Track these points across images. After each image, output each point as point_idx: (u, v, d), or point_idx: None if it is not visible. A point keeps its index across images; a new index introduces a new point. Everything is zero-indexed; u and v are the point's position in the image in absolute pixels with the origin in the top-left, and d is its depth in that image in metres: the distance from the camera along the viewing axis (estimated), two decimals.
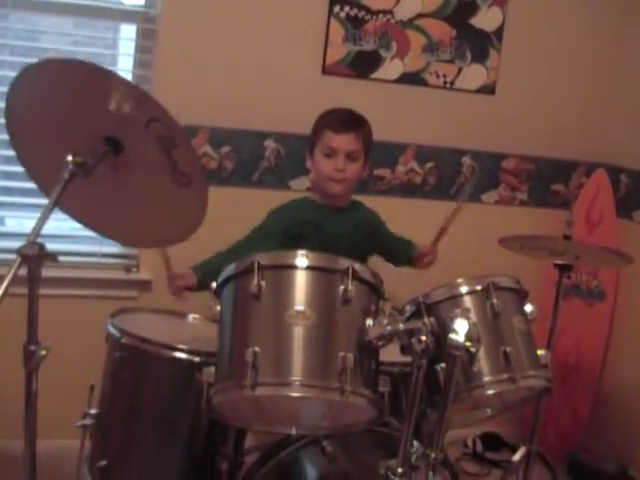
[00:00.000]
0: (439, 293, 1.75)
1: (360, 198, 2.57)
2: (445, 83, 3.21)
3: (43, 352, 1.56)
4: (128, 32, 2.95)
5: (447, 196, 3.32)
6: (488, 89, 3.28)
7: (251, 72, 2.95)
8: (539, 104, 3.35)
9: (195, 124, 2.88)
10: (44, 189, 1.74)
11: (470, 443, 3.35)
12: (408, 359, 1.61)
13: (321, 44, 3.02)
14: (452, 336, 1.56)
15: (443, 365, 1.63)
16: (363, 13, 3.03)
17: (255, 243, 2.27)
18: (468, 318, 1.58)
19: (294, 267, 1.62)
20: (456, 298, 1.75)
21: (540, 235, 2.59)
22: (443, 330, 1.62)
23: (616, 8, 3.37)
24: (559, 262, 2.42)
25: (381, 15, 3.06)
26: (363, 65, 3.09)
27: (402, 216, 3.15)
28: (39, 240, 1.51)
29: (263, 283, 1.60)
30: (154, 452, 2.01)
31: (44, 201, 1.59)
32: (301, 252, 1.63)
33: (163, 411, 2.00)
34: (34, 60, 1.62)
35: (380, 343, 1.62)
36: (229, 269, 1.70)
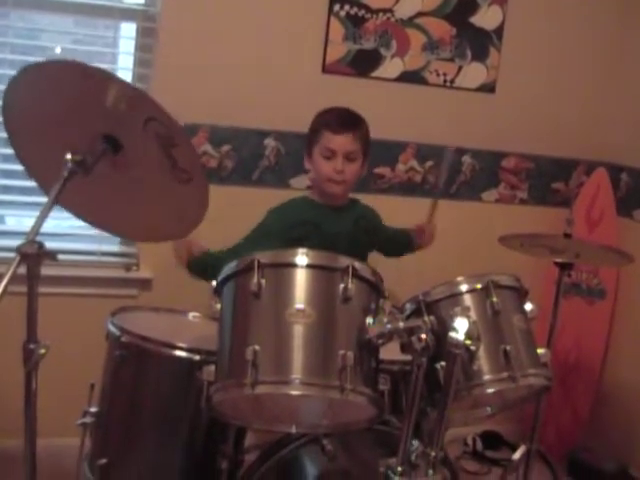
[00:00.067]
0: (439, 291, 1.75)
1: (360, 197, 2.57)
2: (445, 82, 3.21)
3: (42, 351, 1.56)
4: (128, 30, 2.95)
5: (447, 195, 3.32)
6: (488, 88, 3.28)
7: (251, 71, 2.94)
8: (539, 103, 3.35)
9: (195, 123, 2.88)
10: (44, 187, 1.74)
11: (470, 442, 3.35)
12: (408, 357, 1.61)
13: (321, 43, 3.02)
14: (452, 334, 1.56)
15: (443, 363, 1.62)
16: (363, 12, 3.03)
17: (255, 243, 2.26)
18: (468, 316, 1.58)
19: (294, 265, 1.62)
20: (456, 296, 1.75)
21: (540, 233, 2.59)
22: (443, 328, 1.62)
23: (616, 7, 3.37)
24: (559, 260, 2.42)
25: (381, 14, 3.06)
26: (363, 64, 3.08)
27: (402, 214, 3.14)
28: (38, 238, 1.51)
29: (263, 281, 1.60)
30: (154, 450, 2.01)
31: (43, 199, 1.59)
32: (301, 250, 1.63)
33: (163, 409, 2.00)
34: (34, 58, 1.63)
35: (380, 341, 1.62)
36: (229, 267, 1.70)
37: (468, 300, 1.75)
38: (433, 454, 1.61)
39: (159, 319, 2.25)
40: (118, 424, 2.04)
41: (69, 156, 1.58)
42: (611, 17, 3.38)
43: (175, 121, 1.56)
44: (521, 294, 1.84)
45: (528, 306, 1.83)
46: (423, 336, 1.57)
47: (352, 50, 3.05)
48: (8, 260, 1.48)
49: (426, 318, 1.68)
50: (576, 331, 3.35)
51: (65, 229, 2.94)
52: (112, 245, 2.99)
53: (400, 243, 2.64)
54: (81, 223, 3.01)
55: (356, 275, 1.62)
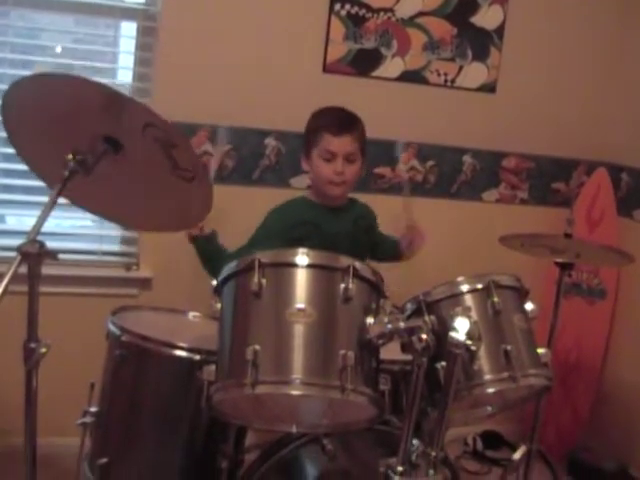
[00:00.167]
0: (440, 291, 1.75)
1: (360, 196, 2.57)
2: (446, 81, 3.21)
3: (43, 350, 1.56)
4: (129, 30, 2.95)
5: (447, 194, 3.32)
6: (489, 87, 3.28)
7: (252, 70, 2.94)
8: (540, 102, 3.35)
9: (195, 122, 2.88)
10: (47, 181, 1.74)
11: (470, 441, 3.35)
12: (409, 357, 1.61)
13: (322, 42, 3.02)
14: (453, 334, 1.55)
15: (444, 363, 1.62)
16: (364, 11, 3.03)
17: (258, 245, 2.26)
18: (469, 316, 1.58)
19: (295, 265, 1.62)
20: (457, 296, 1.75)
21: (541, 233, 2.59)
22: (444, 328, 1.62)
23: (616, 7, 3.37)
24: (560, 260, 2.42)
25: (382, 13, 3.06)
26: (364, 63, 3.08)
27: (402, 214, 3.15)
28: (39, 238, 1.51)
29: (264, 281, 1.60)
30: (154, 450, 2.01)
31: (44, 199, 1.59)
32: (302, 250, 1.63)
33: (163, 409, 2.00)
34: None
35: (381, 341, 1.62)
36: (230, 267, 1.69)
37: (469, 300, 1.75)
38: (433, 454, 1.61)
39: (159, 319, 2.25)
40: (118, 424, 2.04)
41: (70, 156, 1.58)
42: (611, 17, 3.38)
43: (171, 125, 1.56)
44: (522, 294, 1.84)
45: (529, 306, 1.83)
46: (424, 336, 1.57)
47: (353, 50, 3.05)
48: (9, 259, 1.48)
49: (427, 318, 1.68)
50: (576, 331, 3.35)
51: (66, 229, 2.95)
52: (112, 245, 2.99)
53: (388, 248, 2.59)
54: (82, 223, 3.03)
55: (357, 275, 1.62)
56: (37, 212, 1.55)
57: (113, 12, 2.86)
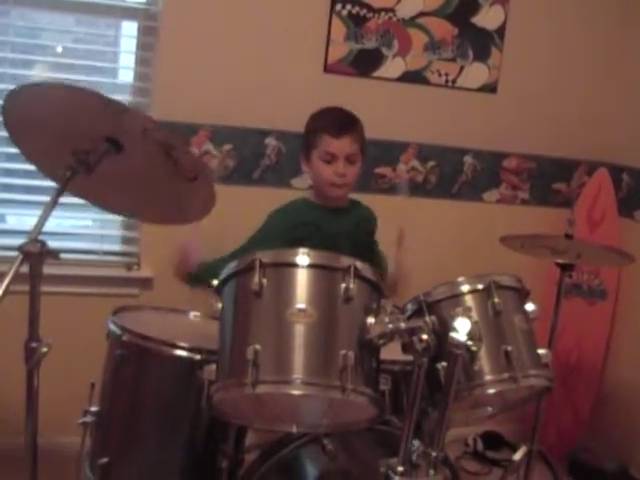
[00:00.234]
0: (440, 292, 1.75)
1: (361, 196, 2.57)
2: (447, 82, 3.21)
3: (44, 349, 1.56)
4: (129, 29, 2.95)
5: (448, 195, 3.32)
6: (490, 88, 3.28)
7: (252, 70, 2.95)
8: (541, 103, 3.35)
9: (196, 122, 2.88)
10: (50, 176, 1.75)
11: (471, 442, 3.35)
12: (409, 358, 1.60)
13: (323, 42, 3.02)
14: (453, 335, 1.55)
15: (444, 364, 1.62)
16: (365, 11, 3.03)
17: (258, 245, 2.26)
18: (469, 317, 1.58)
19: (295, 265, 1.62)
20: (457, 297, 1.75)
21: (541, 234, 2.59)
22: (444, 329, 1.62)
23: (616, 7, 3.37)
24: (560, 261, 2.42)
25: (383, 13, 3.06)
26: (365, 63, 3.08)
27: (403, 214, 3.15)
28: (41, 237, 1.51)
29: (264, 281, 1.60)
30: (155, 450, 2.01)
31: (45, 198, 1.60)
32: (302, 250, 1.63)
33: (164, 409, 2.00)
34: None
35: (381, 341, 1.62)
36: (230, 267, 1.69)
37: (469, 300, 1.75)
38: (434, 454, 1.61)
39: (160, 318, 2.25)
40: (119, 423, 2.04)
41: (71, 156, 1.58)
42: (611, 17, 3.38)
43: (171, 133, 1.57)
44: (522, 295, 1.84)
45: (529, 307, 1.83)
46: (424, 336, 1.57)
47: (354, 50, 3.05)
48: (10, 259, 1.48)
49: (427, 318, 1.68)
50: (577, 332, 3.35)
51: (67, 228, 2.95)
52: (113, 244, 2.99)
53: (378, 260, 2.56)
54: (83, 222, 3.04)
55: (358, 275, 1.62)
56: (38, 211, 1.56)
57: (114, 11, 2.86)
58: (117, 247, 3.00)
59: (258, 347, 1.54)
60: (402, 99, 3.17)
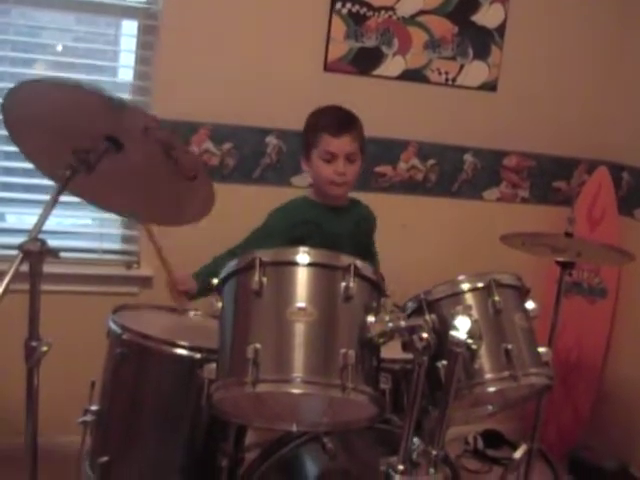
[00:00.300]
0: (441, 290, 1.75)
1: (361, 195, 2.57)
2: (447, 80, 3.21)
3: (44, 348, 1.56)
4: (130, 28, 2.94)
5: (448, 193, 3.32)
6: (490, 86, 3.27)
7: (252, 68, 2.94)
8: (541, 101, 3.35)
9: (196, 121, 2.88)
10: (50, 175, 1.75)
11: (471, 440, 3.35)
12: (409, 356, 1.60)
13: (323, 41, 3.01)
14: (453, 333, 1.55)
15: (444, 362, 1.62)
16: (365, 9, 3.03)
17: (258, 243, 2.25)
18: (470, 315, 1.57)
19: (295, 264, 1.62)
20: (458, 295, 1.75)
21: (542, 232, 2.59)
22: (444, 327, 1.62)
23: (616, 7, 3.37)
24: (561, 259, 2.42)
25: (383, 12, 3.06)
26: (365, 62, 3.08)
27: (403, 213, 3.16)
28: (40, 236, 1.51)
29: (264, 279, 1.60)
30: (155, 448, 2.01)
31: (45, 197, 1.60)
32: (303, 249, 1.63)
33: (164, 408, 2.00)
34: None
35: (381, 340, 1.62)
36: (230, 265, 1.69)
37: (470, 299, 1.75)
38: (434, 453, 1.61)
39: (160, 317, 2.25)
40: (119, 422, 2.04)
41: (72, 155, 1.58)
42: (611, 17, 3.37)
43: (169, 131, 1.57)
44: (522, 293, 1.84)
45: (529, 305, 1.83)
46: (424, 335, 1.56)
47: (354, 48, 3.05)
48: (10, 258, 1.48)
49: (427, 317, 1.68)
50: (577, 330, 3.35)
51: (67, 227, 2.95)
52: (113, 243, 2.99)
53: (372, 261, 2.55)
54: (83, 221, 3.03)
55: (358, 274, 1.62)
56: (38, 210, 1.56)
57: (114, 10, 2.86)
58: (117, 246, 2.99)
59: (258, 346, 1.54)
60: (402, 97, 3.16)
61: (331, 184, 2.33)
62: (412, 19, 3.10)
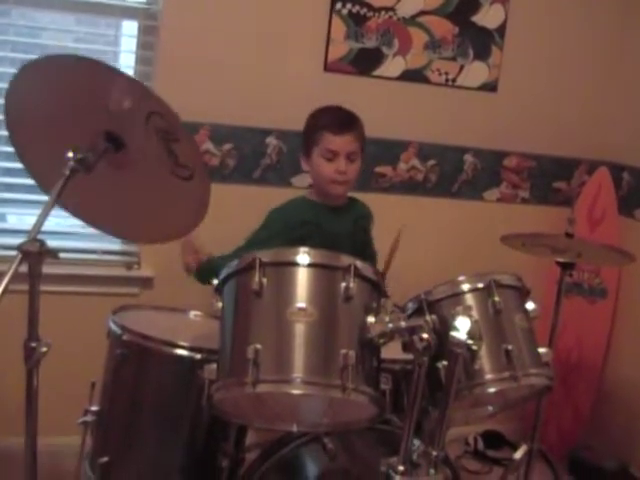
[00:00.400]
0: (441, 291, 1.75)
1: (361, 195, 2.57)
2: (447, 80, 3.20)
3: (44, 349, 1.56)
4: (130, 29, 2.94)
5: (449, 194, 3.32)
6: (490, 86, 3.27)
7: (253, 69, 2.94)
8: (541, 102, 3.35)
9: (196, 121, 2.88)
10: (44, 186, 1.74)
11: (471, 441, 3.35)
12: (410, 357, 1.60)
13: (323, 41, 3.01)
14: (454, 333, 1.55)
15: (445, 363, 1.62)
16: (365, 10, 3.03)
17: (259, 244, 2.25)
18: (470, 316, 1.58)
19: (296, 264, 1.62)
20: (458, 296, 1.75)
21: (542, 233, 2.59)
22: (445, 328, 1.62)
23: (616, 7, 3.37)
24: (561, 260, 2.42)
25: (383, 12, 3.06)
26: (365, 62, 3.08)
27: (403, 213, 3.15)
28: (40, 237, 1.51)
29: (264, 280, 1.60)
30: (155, 449, 2.01)
31: (45, 197, 1.59)
32: (303, 249, 1.63)
33: (164, 408, 2.00)
34: (35, 57, 1.62)
35: (382, 340, 1.62)
36: (230, 266, 1.70)
37: (470, 299, 1.75)
38: (434, 453, 1.61)
39: (160, 318, 2.25)
40: (119, 422, 2.04)
41: (71, 154, 1.58)
42: (611, 17, 3.37)
43: (176, 114, 1.56)
44: (523, 293, 1.84)
45: (530, 305, 1.83)
46: (425, 335, 1.56)
47: (354, 49, 3.05)
48: (10, 258, 1.48)
49: (428, 317, 1.68)
50: (577, 330, 3.35)
51: (66, 227, 2.94)
52: (113, 243, 2.99)
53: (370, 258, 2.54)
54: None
55: (358, 274, 1.62)
56: (38, 211, 1.55)
57: (114, 11, 2.86)
58: (117, 246, 2.99)
59: (258, 346, 1.54)
60: (402, 98, 3.16)
61: (332, 183, 2.33)
62: (412, 20, 3.10)
